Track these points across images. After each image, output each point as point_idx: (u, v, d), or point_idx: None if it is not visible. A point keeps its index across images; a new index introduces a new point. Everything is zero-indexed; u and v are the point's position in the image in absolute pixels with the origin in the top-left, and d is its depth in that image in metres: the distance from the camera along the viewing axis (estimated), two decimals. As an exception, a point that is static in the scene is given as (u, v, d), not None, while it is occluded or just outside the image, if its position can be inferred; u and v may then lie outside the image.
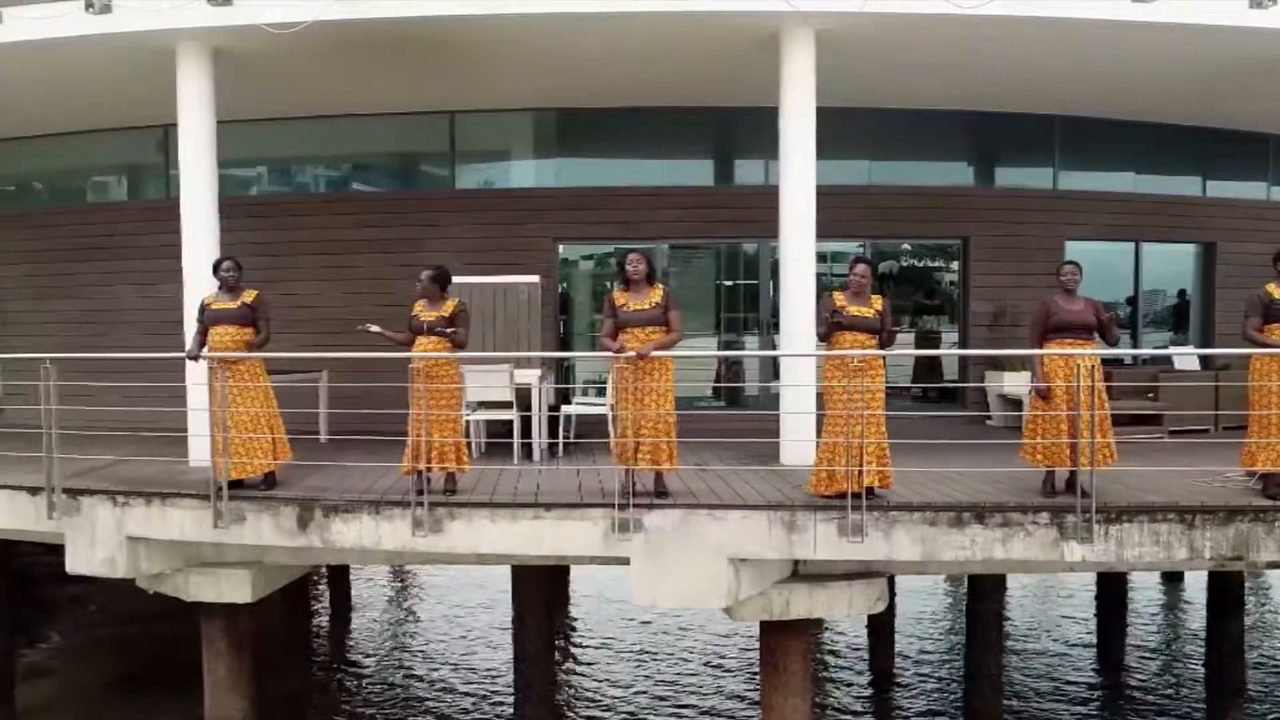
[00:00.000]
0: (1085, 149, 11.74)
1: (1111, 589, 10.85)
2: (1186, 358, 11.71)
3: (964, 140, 11.84)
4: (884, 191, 11.30)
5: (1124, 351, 7.13)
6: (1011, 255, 11.34)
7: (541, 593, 8.42)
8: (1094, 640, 11.01)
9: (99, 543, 7.26)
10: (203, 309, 7.20)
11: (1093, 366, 6.34)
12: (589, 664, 10.59)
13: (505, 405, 8.64)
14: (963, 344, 11.61)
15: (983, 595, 8.91)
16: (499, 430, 9.07)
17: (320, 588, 12.49)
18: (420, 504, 6.66)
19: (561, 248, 11.72)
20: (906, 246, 12.66)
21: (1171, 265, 12.64)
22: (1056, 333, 6.60)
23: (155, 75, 8.61)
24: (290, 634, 10.41)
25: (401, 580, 13.84)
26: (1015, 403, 10.71)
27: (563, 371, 11.61)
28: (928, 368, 12.59)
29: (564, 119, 11.44)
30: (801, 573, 6.90)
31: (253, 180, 12.06)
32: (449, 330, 6.89)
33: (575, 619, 11.99)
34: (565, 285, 11.98)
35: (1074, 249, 11.51)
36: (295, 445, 7.66)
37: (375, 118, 11.18)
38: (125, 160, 12.23)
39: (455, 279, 8.86)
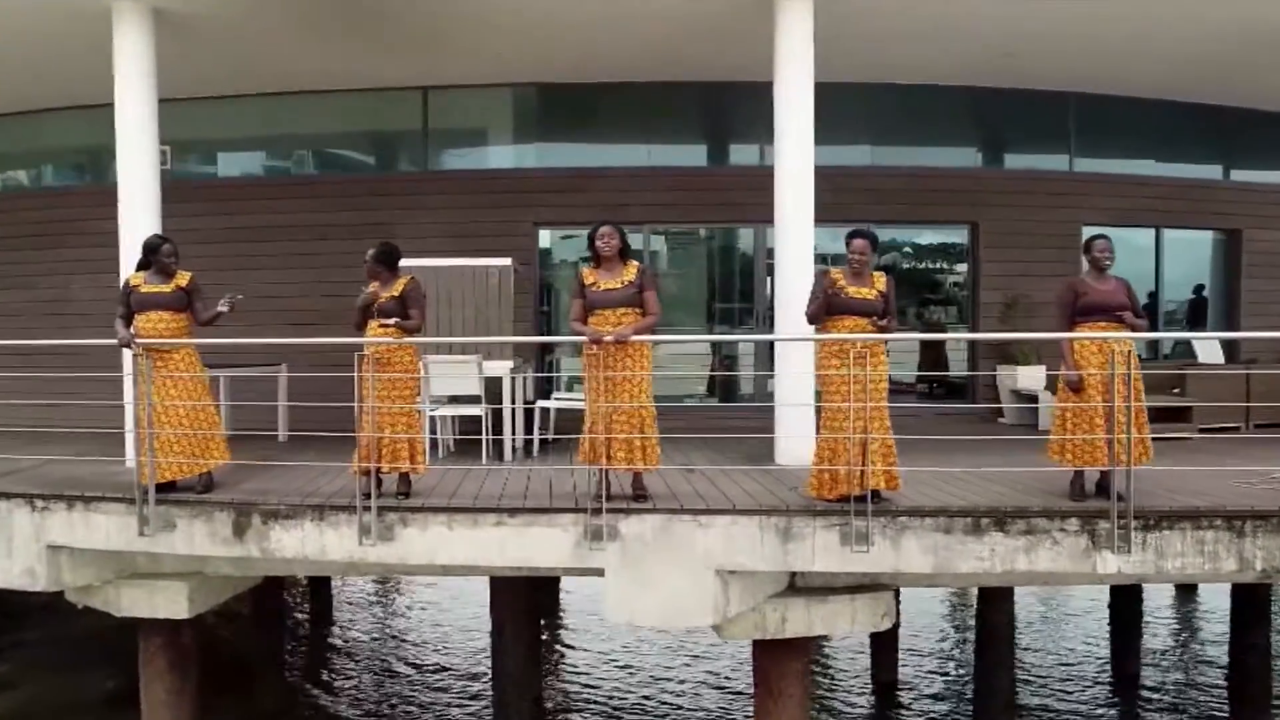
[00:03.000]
0: (1103, 129, 11.08)
1: (1125, 595, 10.11)
2: (1211, 351, 10.99)
3: (973, 119, 11.16)
4: (887, 174, 10.65)
5: (1139, 335, 6.43)
6: (1024, 242, 10.71)
7: (523, 602, 7.74)
8: (1108, 652, 10.25)
9: (16, 552, 6.52)
10: (128, 291, 6.45)
11: (1129, 352, 5.59)
12: (576, 680, 9.84)
13: (475, 399, 7.91)
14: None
15: (993, 604, 8.20)
16: (473, 428, 8.34)
17: (296, 596, 11.75)
18: (368, 508, 5.91)
19: (546, 235, 11.04)
20: (909, 249, 11.90)
21: (1178, 259, 11.89)
22: (1086, 316, 5.84)
23: (99, 45, 7.91)
24: (261, 646, 9.81)
25: (386, 586, 13.06)
26: (1029, 398, 10.00)
27: (545, 364, 10.90)
28: (932, 362, 11.83)
29: (544, 95, 10.82)
30: (799, 585, 6.18)
31: (212, 162, 11.36)
32: (392, 321, 6.15)
33: (563, 628, 11.21)
34: (549, 276, 11.27)
35: (1090, 235, 10.86)
36: (251, 443, 6.96)
37: (342, 94, 10.57)
38: (74, 142, 11.51)
39: (423, 262, 8.24)
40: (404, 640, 11.01)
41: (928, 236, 11.65)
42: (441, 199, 10.50)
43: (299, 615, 11.63)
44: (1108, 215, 10.71)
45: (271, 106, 10.70)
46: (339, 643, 10.95)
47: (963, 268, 11.53)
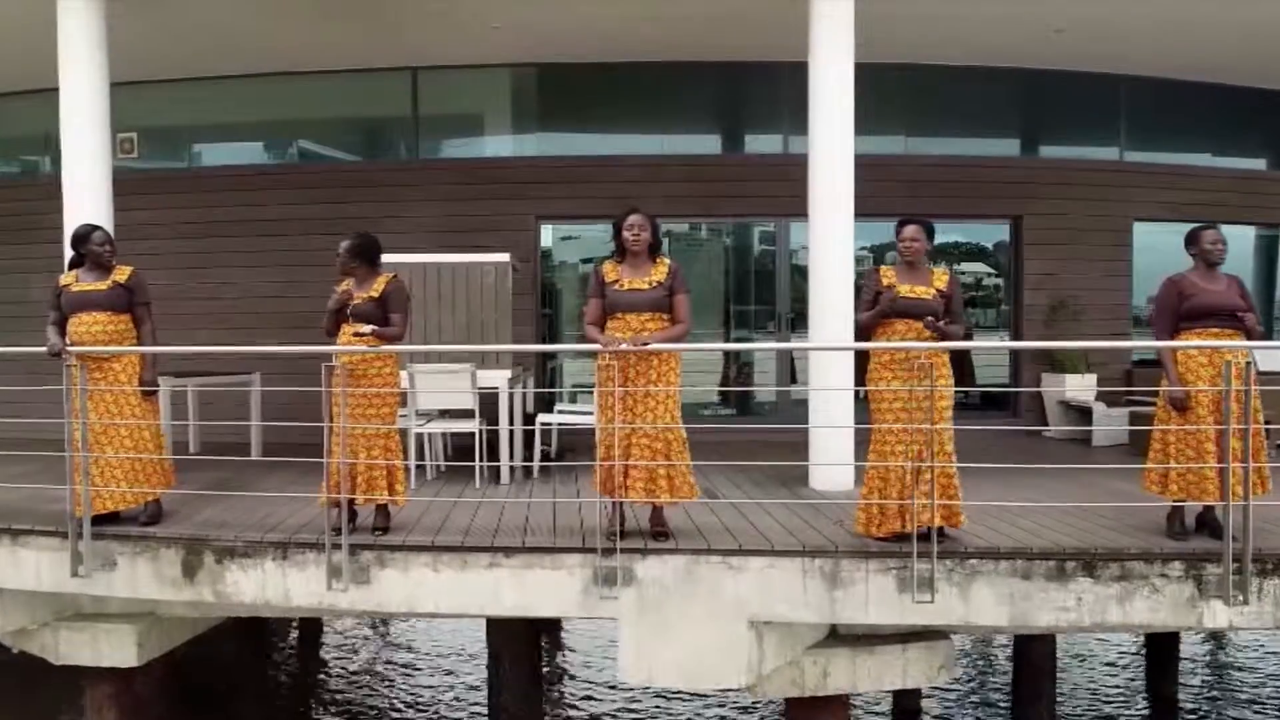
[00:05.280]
0: (1156, 117, 10.23)
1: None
2: (1271, 360, 10.07)
3: (1017, 104, 10.29)
4: (923, 163, 9.77)
5: (1259, 345, 5.67)
6: (1071, 238, 9.84)
7: (523, 629, 6.94)
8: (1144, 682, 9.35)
9: (-66, 592, 5.63)
10: (59, 292, 5.55)
11: (1247, 364, 4.68)
12: (582, 709, 8.89)
13: (467, 414, 7.01)
14: (1015, 340, 10.03)
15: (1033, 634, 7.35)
16: (469, 445, 7.44)
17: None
18: (338, 546, 5.01)
19: (549, 230, 10.15)
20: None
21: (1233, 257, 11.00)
22: (1193, 320, 4.92)
23: (48, 20, 7.13)
24: (243, 678, 8.92)
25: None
26: (1080, 411, 9.10)
27: (547, 372, 10.00)
28: (955, 369, 10.90)
29: (546, 76, 9.96)
30: (842, 633, 5.27)
31: (181, 150, 10.46)
32: (369, 329, 5.25)
33: (567, 646, 10.21)
34: (552, 276, 10.38)
35: (1142, 231, 10.00)
36: (219, 461, 6.41)
37: (324, 76, 9.71)
38: (29, 129, 10.60)
39: (409, 259, 7.38)
40: (396, 668, 10.10)
41: (949, 234, 10.77)
42: (433, 190, 9.65)
43: (282, 631, 10.68)
44: (1162, 209, 9.90)
45: (246, 90, 9.86)
46: (328, 660, 10.02)
47: (977, 265, 10.75)
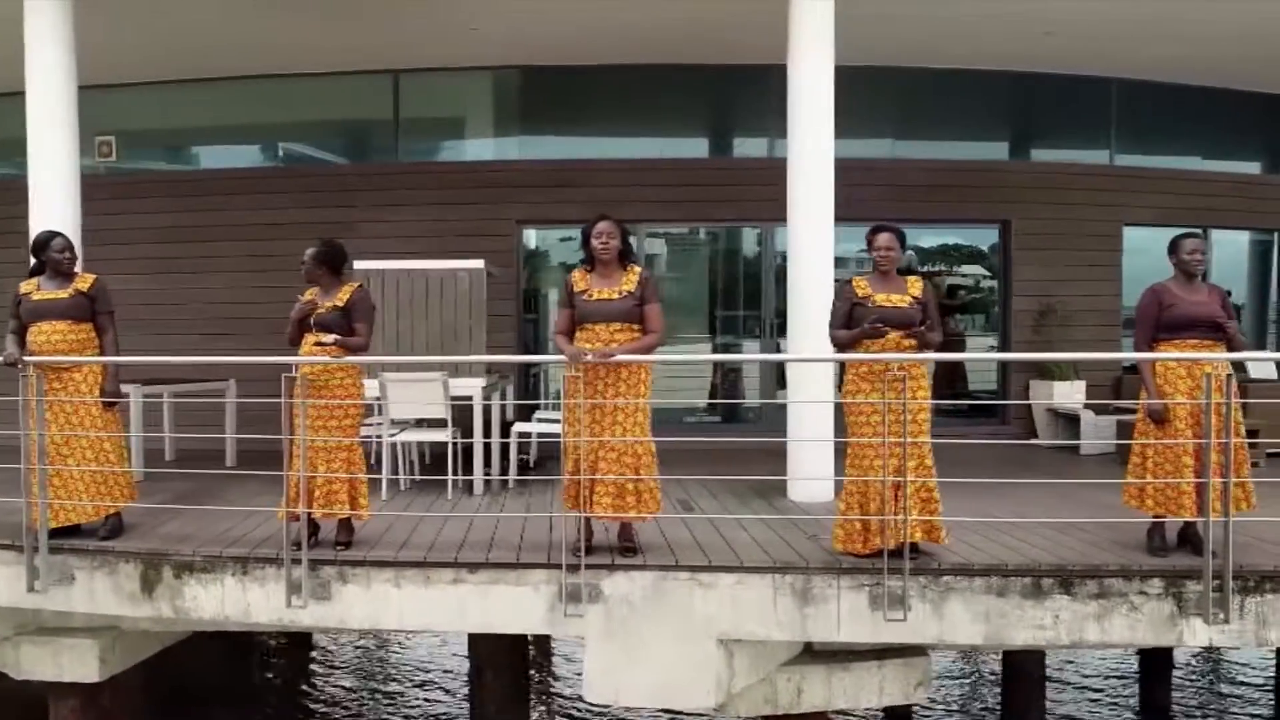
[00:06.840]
0: (1147, 120, 10.09)
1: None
2: (1263, 367, 9.95)
3: (1006, 108, 10.17)
4: (909, 167, 9.62)
5: (1239, 356, 5.48)
6: (1060, 242, 9.70)
7: (506, 642, 6.61)
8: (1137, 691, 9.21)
9: (-115, 609, 5.51)
10: (18, 300, 5.44)
11: (1227, 376, 4.56)
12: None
13: (440, 424, 6.88)
14: (1003, 347, 9.90)
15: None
16: (445, 454, 7.33)
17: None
18: (297, 561, 4.89)
19: (533, 234, 10.02)
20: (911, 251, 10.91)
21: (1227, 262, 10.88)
22: (1173, 331, 4.80)
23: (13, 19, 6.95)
24: (221, 687, 8.78)
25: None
26: (1069, 419, 8.97)
27: (529, 379, 9.87)
28: (947, 375, 10.75)
29: (528, 79, 9.81)
30: (817, 649, 5.16)
31: (158, 153, 10.35)
32: (330, 339, 5.14)
33: (555, 654, 10.07)
34: (538, 280, 10.26)
35: (1133, 234, 9.87)
36: (192, 471, 6.30)
37: (304, 78, 9.57)
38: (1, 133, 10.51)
39: (382, 265, 7.27)
40: (383, 672, 9.95)
41: (945, 237, 10.65)
42: (414, 194, 9.49)
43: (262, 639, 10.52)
44: (1152, 214, 9.75)
45: (225, 93, 9.71)
46: (311, 668, 9.85)
47: (972, 268, 10.64)
